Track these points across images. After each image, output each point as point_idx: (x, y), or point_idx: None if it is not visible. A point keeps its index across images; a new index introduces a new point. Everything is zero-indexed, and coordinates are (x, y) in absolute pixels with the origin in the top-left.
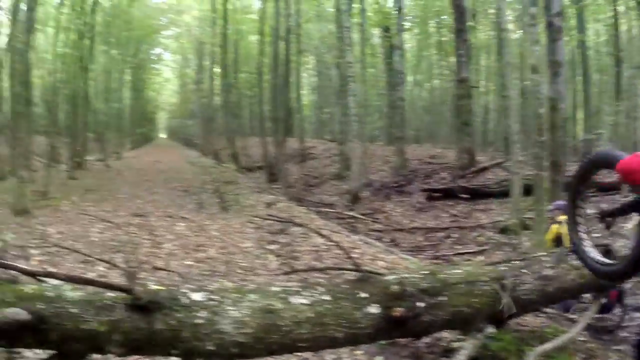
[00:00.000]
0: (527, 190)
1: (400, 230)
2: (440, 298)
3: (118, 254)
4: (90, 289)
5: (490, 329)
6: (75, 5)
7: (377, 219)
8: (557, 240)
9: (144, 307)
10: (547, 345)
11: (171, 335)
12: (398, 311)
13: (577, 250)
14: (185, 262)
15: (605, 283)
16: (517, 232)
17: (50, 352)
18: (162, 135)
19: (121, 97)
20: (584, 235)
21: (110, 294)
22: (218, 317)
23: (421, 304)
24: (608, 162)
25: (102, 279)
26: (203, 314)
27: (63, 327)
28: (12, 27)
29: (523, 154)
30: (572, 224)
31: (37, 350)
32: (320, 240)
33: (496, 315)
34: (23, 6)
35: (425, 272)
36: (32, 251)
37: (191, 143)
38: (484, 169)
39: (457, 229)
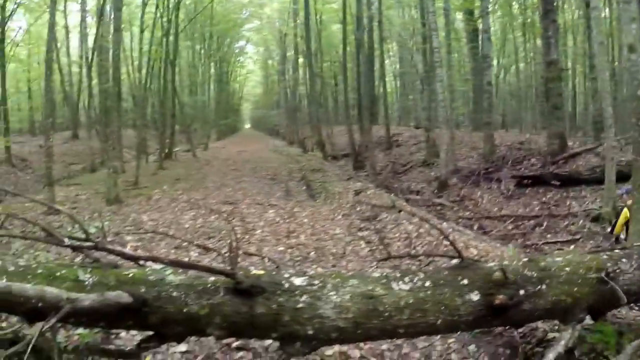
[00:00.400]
0: (621, 177)
1: (490, 217)
2: (541, 286)
3: (210, 240)
4: (192, 273)
5: (588, 321)
6: (160, 4)
7: (466, 206)
8: (627, 225)
9: (245, 291)
10: None
11: (272, 319)
12: (500, 299)
13: None
14: (277, 248)
15: None
16: (612, 221)
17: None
18: (247, 125)
19: (206, 90)
20: None
21: (212, 278)
22: (319, 301)
23: (522, 292)
24: None
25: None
26: (304, 298)
27: (164, 310)
28: (98, 27)
29: (617, 139)
30: None
31: (133, 332)
32: (411, 227)
33: (595, 306)
34: (108, 7)
35: (526, 260)
36: (127, 237)
37: (275, 133)
38: (576, 155)
39: (548, 217)
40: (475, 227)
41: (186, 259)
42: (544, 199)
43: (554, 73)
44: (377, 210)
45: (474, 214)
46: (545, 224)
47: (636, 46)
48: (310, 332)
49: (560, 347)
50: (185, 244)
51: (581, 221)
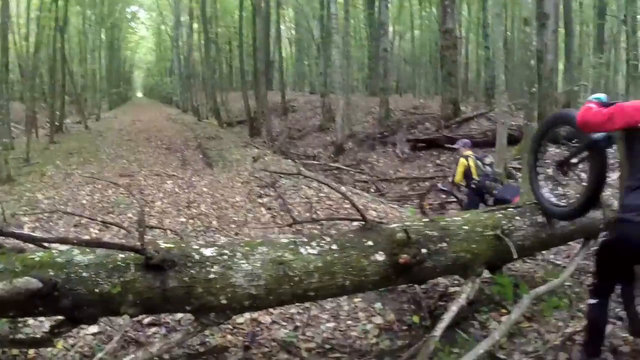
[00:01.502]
0: (511, 141)
1: (386, 180)
2: (442, 245)
3: (110, 215)
4: (100, 251)
5: (486, 274)
6: None
7: (362, 170)
8: (467, 173)
9: (156, 266)
10: (541, 289)
11: (185, 292)
12: (404, 258)
13: (535, 194)
14: (179, 219)
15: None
16: (503, 181)
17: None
18: (139, 94)
19: (96, 57)
20: (542, 183)
21: (122, 255)
22: (231, 271)
23: (425, 251)
24: (566, 121)
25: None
26: (215, 268)
27: (76, 292)
28: None
29: (508, 104)
30: (533, 173)
31: (41, 318)
32: (311, 192)
33: (492, 261)
34: None
35: (427, 220)
36: (23, 218)
37: (169, 101)
38: (469, 119)
39: (442, 178)
40: (372, 190)
41: (87, 238)
42: (438, 161)
43: (449, 41)
44: (276, 177)
45: (371, 177)
46: (439, 184)
47: (530, 19)
48: (224, 301)
49: (462, 300)
50: (84, 221)
51: None
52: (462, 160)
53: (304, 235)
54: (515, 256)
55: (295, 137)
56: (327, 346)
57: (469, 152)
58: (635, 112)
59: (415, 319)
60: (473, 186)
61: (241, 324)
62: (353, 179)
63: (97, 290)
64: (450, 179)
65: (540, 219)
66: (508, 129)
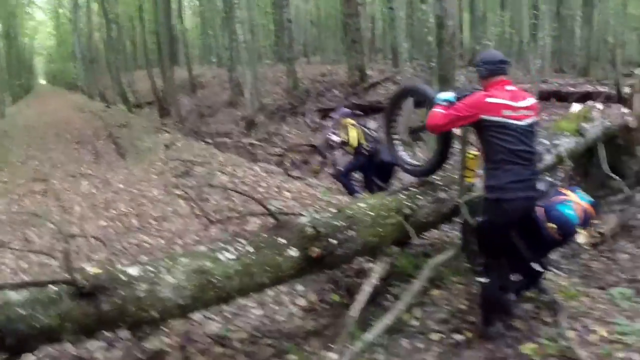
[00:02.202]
0: (417, 103)
1: (299, 152)
2: (350, 233)
3: (32, 229)
4: (34, 288)
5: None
6: None
7: (275, 143)
8: (357, 140)
9: (89, 293)
10: (439, 258)
11: (118, 313)
12: (315, 251)
13: (394, 156)
14: (99, 223)
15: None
16: (410, 144)
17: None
18: (42, 81)
19: None
20: (399, 145)
21: (54, 287)
22: (158, 286)
23: (334, 241)
24: (413, 93)
25: (43, 278)
26: (143, 286)
27: (17, 330)
28: None
29: (413, 66)
30: (389, 136)
31: None
32: (225, 178)
33: (399, 239)
34: None
35: (334, 211)
36: None
37: (74, 87)
38: (375, 85)
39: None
40: (287, 163)
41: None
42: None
43: (351, 9)
44: (190, 165)
45: (284, 149)
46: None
47: None
48: (155, 315)
49: (374, 280)
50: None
51: None
52: (351, 128)
53: (222, 241)
54: (414, 239)
55: (205, 114)
56: (258, 334)
57: (350, 121)
58: (476, 107)
59: (336, 297)
60: (365, 152)
61: (174, 324)
62: (266, 153)
63: (37, 325)
64: (335, 139)
65: (441, 195)
66: None
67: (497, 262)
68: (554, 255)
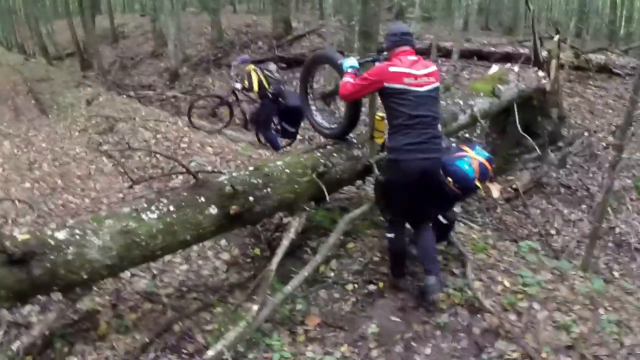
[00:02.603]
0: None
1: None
2: (267, 190)
3: None
4: None
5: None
6: None
7: (199, 94)
8: (260, 85)
9: (19, 260)
10: (355, 213)
11: (50, 277)
12: (234, 209)
13: (309, 119)
14: (24, 186)
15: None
16: (334, 97)
17: None
18: None
19: None
20: (314, 109)
21: None
22: (85, 249)
23: (252, 199)
24: (325, 60)
25: None
26: (72, 250)
27: None
28: None
29: (337, 19)
30: (305, 101)
31: None
32: (149, 134)
33: (315, 196)
34: None
35: (252, 169)
36: None
37: None
38: (300, 37)
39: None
40: (211, 117)
41: None
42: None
43: None
44: (113, 121)
45: (208, 102)
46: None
47: None
48: (85, 276)
49: (291, 234)
50: None
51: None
52: (252, 73)
53: (144, 200)
54: (327, 199)
55: (128, 66)
56: (184, 289)
57: (251, 67)
58: (379, 76)
59: (257, 251)
60: (270, 96)
61: (104, 283)
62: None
63: None
64: (238, 86)
65: (355, 153)
66: (338, 46)
67: (401, 218)
68: (472, 209)
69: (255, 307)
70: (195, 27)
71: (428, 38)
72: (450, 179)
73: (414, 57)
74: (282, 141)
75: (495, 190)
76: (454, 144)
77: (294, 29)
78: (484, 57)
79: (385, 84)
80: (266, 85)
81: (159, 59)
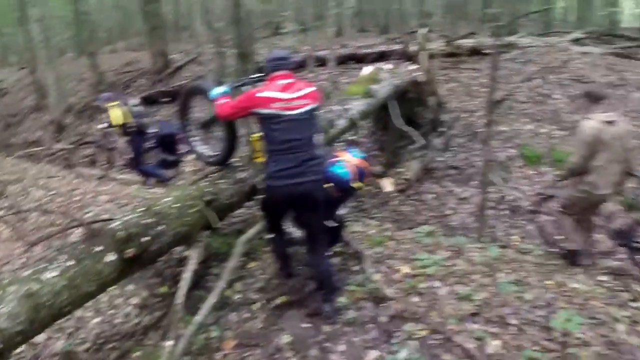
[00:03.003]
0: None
1: (112, 149)
2: (160, 228)
3: None
4: None
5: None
6: None
7: (86, 142)
8: (119, 120)
9: None
10: (249, 233)
11: None
12: (130, 252)
13: (192, 147)
14: None
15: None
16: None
17: None
18: None
19: None
20: (196, 139)
21: None
22: None
23: (146, 238)
24: (200, 92)
25: None
26: None
27: None
28: None
29: (211, 47)
30: (185, 130)
31: None
32: (40, 192)
33: (208, 223)
34: None
35: (142, 210)
36: None
37: None
38: (180, 68)
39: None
40: (102, 160)
41: None
42: (157, 117)
43: None
44: (2, 186)
45: (97, 147)
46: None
47: None
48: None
49: (192, 266)
50: None
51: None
52: (111, 109)
53: (43, 260)
54: (217, 224)
55: (12, 124)
56: (100, 341)
57: (111, 103)
58: (247, 102)
59: (164, 289)
60: (133, 128)
61: (22, 351)
62: (80, 154)
63: None
64: (104, 125)
65: (240, 175)
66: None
67: (277, 227)
68: (368, 206)
69: (170, 344)
70: (75, 73)
71: (305, 50)
72: (328, 184)
73: (287, 81)
74: (168, 172)
75: (388, 184)
76: (330, 151)
77: (173, 60)
78: (360, 59)
79: (254, 110)
80: (129, 119)
81: (42, 112)
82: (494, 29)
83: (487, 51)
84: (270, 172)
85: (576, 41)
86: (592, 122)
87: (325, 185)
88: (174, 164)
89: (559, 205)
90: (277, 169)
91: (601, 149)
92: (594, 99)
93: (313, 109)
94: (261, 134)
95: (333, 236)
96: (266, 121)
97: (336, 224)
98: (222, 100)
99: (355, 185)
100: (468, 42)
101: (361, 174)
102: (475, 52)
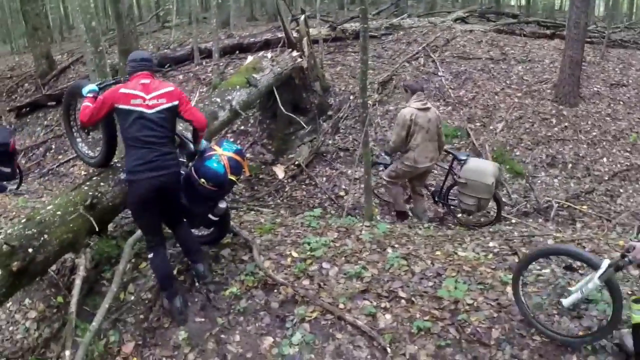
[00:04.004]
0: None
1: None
2: (44, 237)
3: None
4: None
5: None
6: None
7: None
8: None
9: None
10: (138, 233)
11: None
12: (15, 265)
13: (76, 151)
14: None
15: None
16: (86, 138)
17: None
18: None
19: None
20: (79, 140)
21: None
22: None
23: (31, 250)
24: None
25: None
26: None
27: None
28: None
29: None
30: (70, 133)
31: None
32: None
33: (94, 228)
34: None
35: (24, 221)
36: None
37: None
38: (65, 69)
39: (54, 139)
40: None
41: None
42: (46, 122)
43: None
44: None
45: None
46: (53, 147)
47: None
48: None
49: (81, 272)
50: None
51: None
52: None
53: None
54: (97, 229)
55: None
56: (2, 358)
57: None
58: (111, 97)
59: (60, 299)
60: None
61: None
62: None
63: None
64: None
65: (122, 176)
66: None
67: (154, 238)
68: (261, 194)
69: (67, 353)
70: None
71: (190, 42)
72: (203, 180)
73: (147, 81)
74: (10, 183)
75: (279, 171)
76: (209, 145)
77: (57, 62)
78: (246, 49)
79: (116, 105)
80: None
81: None
82: (361, 11)
83: (373, 34)
84: (130, 167)
85: (459, 20)
86: (408, 109)
87: (201, 181)
88: (11, 176)
89: (386, 176)
90: (136, 163)
91: (417, 131)
92: (411, 90)
93: (169, 108)
94: (120, 131)
95: (219, 230)
96: (123, 117)
97: (217, 218)
98: (86, 103)
99: (232, 178)
100: (353, 26)
101: (236, 168)
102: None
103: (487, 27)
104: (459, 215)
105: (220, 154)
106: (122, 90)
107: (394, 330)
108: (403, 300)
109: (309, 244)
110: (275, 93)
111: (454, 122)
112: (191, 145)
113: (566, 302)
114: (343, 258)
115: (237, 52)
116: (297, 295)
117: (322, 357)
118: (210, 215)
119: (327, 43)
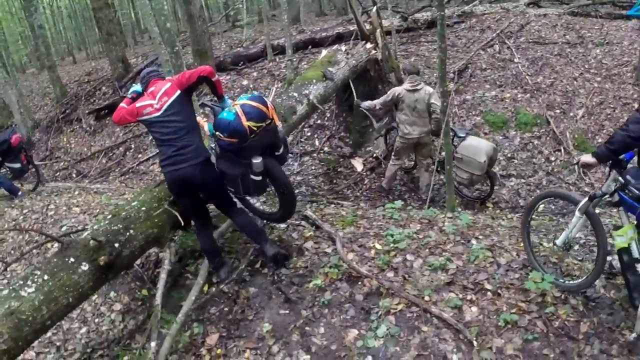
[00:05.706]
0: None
1: (83, 159)
2: (129, 232)
3: None
4: None
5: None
6: None
7: (58, 157)
8: None
9: None
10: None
11: None
12: (102, 260)
13: None
14: None
15: None
16: None
17: None
18: None
19: None
20: None
21: None
22: None
23: (117, 244)
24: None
25: None
26: None
27: None
28: None
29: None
30: None
31: None
32: (15, 212)
33: (177, 223)
34: None
35: (110, 217)
36: None
37: None
38: (140, 72)
39: (133, 139)
40: (74, 175)
41: None
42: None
43: (100, 2)
44: None
45: (68, 162)
46: (133, 146)
47: None
48: None
49: (166, 266)
50: None
51: None
52: None
53: (19, 277)
54: (182, 223)
55: None
56: (89, 350)
57: None
58: (131, 114)
59: (144, 292)
60: None
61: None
62: (53, 170)
63: None
64: None
65: None
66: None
67: (197, 221)
68: (340, 187)
69: (153, 344)
70: (37, 89)
71: (262, 40)
72: (219, 133)
73: (153, 87)
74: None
75: (357, 164)
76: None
77: (132, 65)
78: (318, 43)
79: (138, 118)
80: None
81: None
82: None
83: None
84: (160, 163)
85: (532, 4)
86: (399, 88)
87: (217, 134)
88: (21, 172)
89: (393, 155)
90: (161, 159)
91: (404, 108)
92: (407, 73)
93: (175, 100)
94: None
95: (284, 205)
96: (147, 124)
97: (259, 177)
98: (122, 104)
99: (250, 124)
100: (425, 16)
101: (251, 113)
102: (432, 24)
103: (560, 10)
104: (460, 187)
105: (234, 104)
106: (138, 104)
107: (480, 323)
108: (489, 293)
109: (391, 235)
110: (352, 86)
111: (533, 109)
112: (218, 109)
113: (559, 241)
114: (427, 250)
115: (310, 47)
116: (381, 288)
117: (407, 349)
118: (252, 176)
119: (400, 34)
